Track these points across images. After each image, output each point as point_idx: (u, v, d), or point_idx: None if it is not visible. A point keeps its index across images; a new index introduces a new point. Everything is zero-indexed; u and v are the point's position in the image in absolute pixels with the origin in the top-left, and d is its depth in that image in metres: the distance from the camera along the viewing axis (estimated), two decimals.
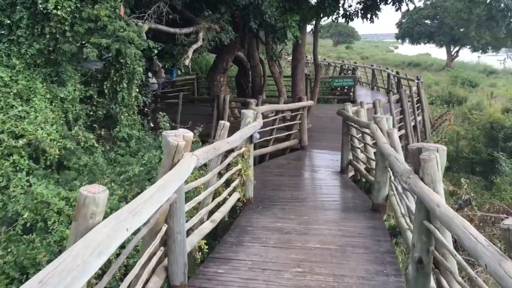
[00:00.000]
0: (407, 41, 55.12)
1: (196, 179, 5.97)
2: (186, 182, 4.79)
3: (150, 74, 14.55)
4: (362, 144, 9.31)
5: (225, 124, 5.67)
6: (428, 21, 53.19)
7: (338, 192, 8.22)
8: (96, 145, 7.88)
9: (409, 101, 13.85)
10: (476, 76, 39.55)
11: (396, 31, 57.20)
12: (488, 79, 43.33)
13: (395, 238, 7.24)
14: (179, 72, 18.18)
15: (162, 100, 16.35)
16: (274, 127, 11.10)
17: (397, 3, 14.87)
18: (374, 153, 7.89)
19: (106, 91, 8.38)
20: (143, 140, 8.49)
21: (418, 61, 56.96)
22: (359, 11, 15.10)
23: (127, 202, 5.88)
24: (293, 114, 11.73)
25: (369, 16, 15.03)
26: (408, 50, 71.99)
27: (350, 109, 9.36)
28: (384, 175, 6.81)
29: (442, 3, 51.83)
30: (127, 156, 7.58)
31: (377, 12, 15.13)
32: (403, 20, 54.36)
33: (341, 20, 15.32)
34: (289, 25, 11.38)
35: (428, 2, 52.97)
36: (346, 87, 20.20)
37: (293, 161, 10.76)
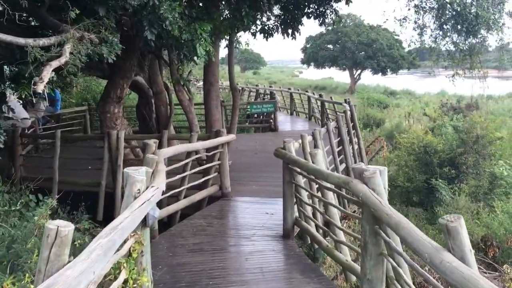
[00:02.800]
0: (312, 65, 54.42)
1: None
2: None
3: (5, 108, 10.64)
4: (308, 193, 6.31)
5: (67, 232, 2.29)
6: (331, 46, 52.97)
7: (291, 285, 5.04)
8: None
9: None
10: (381, 97, 39.12)
11: (300, 56, 56.50)
12: (391, 99, 43.30)
13: None
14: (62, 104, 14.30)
15: (37, 141, 12.31)
16: (185, 173, 7.79)
17: (320, 17, 12.36)
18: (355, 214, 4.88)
19: None
20: None
21: (323, 84, 56.64)
22: (278, 25, 12.41)
23: None
24: (210, 153, 8.52)
25: (290, 31, 12.38)
26: (312, 74, 72.28)
27: (293, 147, 6.32)
28: (379, 268, 3.78)
29: (342, 29, 51.91)
30: None
31: (299, 28, 12.53)
32: (308, 45, 53.71)
33: (259, 36, 12.50)
34: (199, 38, 8.22)
35: (330, 28, 52.82)
36: (265, 113, 17.37)
37: (215, 221, 7.47)
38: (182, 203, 7.72)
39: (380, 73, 51.42)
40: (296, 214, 6.57)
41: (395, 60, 49.76)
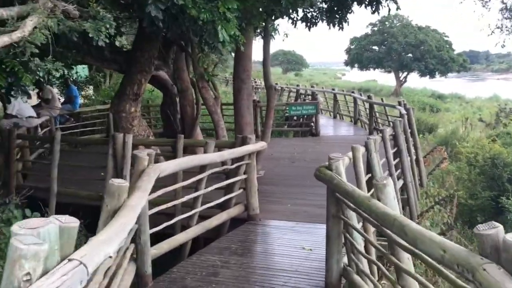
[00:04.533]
0: (356, 67, 51.66)
1: None
2: None
3: (14, 104, 9.07)
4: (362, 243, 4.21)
5: None
6: (376, 47, 50.05)
7: None
8: None
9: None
10: (430, 100, 36.27)
11: (343, 58, 53.87)
12: (440, 103, 40.20)
13: None
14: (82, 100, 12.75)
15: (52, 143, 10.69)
16: (197, 193, 5.84)
17: (373, 4, 10.16)
18: None
19: None
20: None
21: (367, 86, 53.75)
22: (323, 12, 10.33)
23: None
24: (234, 165, 6.56)
25: (336, 21, 10.27)
26: (355, 76, 69.45)
27: (343, 167, 4.24)
28: None
29: (389, 30, 49.00)
30: None
31: (347, 16, 10.41)
32: (352, 47, 51.00)
33: (301, 24, 10.44)
34: (221, 18, 6.27)
35: (376, 29, 50.04)
36: (305, 116, 15.26)
37: (234, 258, 5.46)
38: (192, 232, 5.78)
39: (428, 76, 48.12)
40: (345, 260, 4.50)
41: (445, 62, 46.31)
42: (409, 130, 9.64)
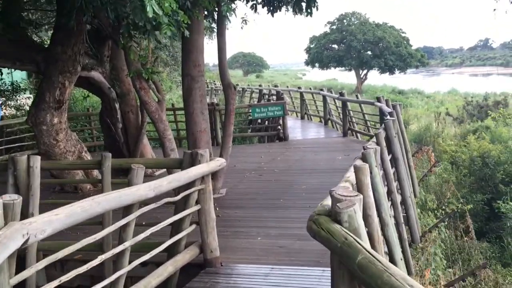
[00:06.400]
0: (316, 66, 50.35)
1: None
2: None
3: None
4: None
5: None
6: (335, 46, 48.94)
7: None
8: None
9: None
10: (396, 97, 35.35)
11: (304, 58, 52.48)
12: (401, 99, 39.36)
13: None
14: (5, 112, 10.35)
15: None
16: (120, 247, 3.72)
17: None
18: None
19: None
20: None
21: (329, 85, 52.43)
22: None
23: None
24: (179, 196, 4.48)
25: (303, 5, 8.36)
26: (316, 76, 68.51)
27: (360, 217, 2.27)
28: None
29: (347, 27, 47.96)
30: None
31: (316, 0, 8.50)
32: (311, 46, 49.67)
33: (262, 9, 8.44)
34: None
35: (334, 27, 48.90)
36: (271, 118, 13.30)
37: None
38: None
39: (388, 72, 47.36)
40: None
41: (403, 58, 45.67)
42: (400, 131, 7.82)
